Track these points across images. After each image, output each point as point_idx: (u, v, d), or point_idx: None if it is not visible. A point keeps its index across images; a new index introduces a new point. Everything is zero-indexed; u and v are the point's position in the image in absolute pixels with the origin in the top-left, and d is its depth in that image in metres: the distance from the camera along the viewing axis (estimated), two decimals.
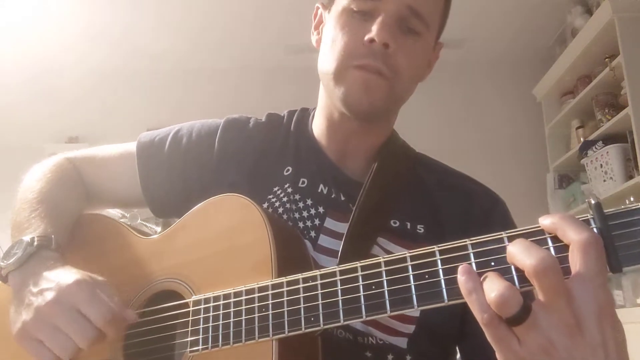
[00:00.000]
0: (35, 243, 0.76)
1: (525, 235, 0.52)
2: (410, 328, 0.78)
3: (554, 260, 0.48)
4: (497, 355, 0.52)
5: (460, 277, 0.52)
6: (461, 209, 0.87)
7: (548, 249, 0.51)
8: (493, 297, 0.48)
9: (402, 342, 0.78)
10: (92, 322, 0.68)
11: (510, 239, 0.52)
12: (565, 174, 3.59)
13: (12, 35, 3.52)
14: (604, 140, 3.04)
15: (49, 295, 0.69)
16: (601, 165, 3.04)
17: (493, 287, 0.49)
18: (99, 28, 3.53)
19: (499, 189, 0.91)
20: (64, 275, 0.71)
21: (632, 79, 2.79)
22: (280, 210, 0.85)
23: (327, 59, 0.84)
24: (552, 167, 3.64)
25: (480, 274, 0.52)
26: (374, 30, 0.79)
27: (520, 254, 0.50)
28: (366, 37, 0.79)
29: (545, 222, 0.52)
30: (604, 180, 3.01)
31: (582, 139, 3.27)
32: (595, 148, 3.07)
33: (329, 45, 0.84)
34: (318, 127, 0.93)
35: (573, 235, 0.48)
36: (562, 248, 0.50)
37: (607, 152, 2.98)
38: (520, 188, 3.44)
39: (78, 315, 0.68)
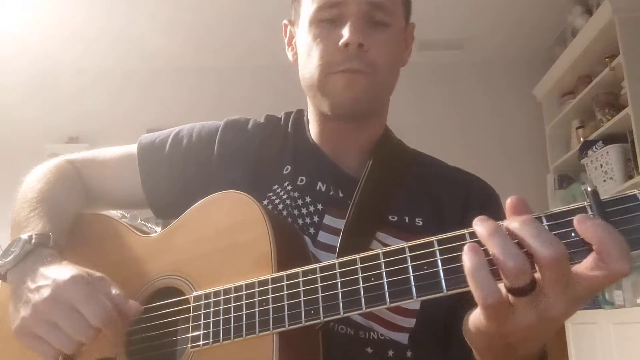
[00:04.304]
0: (33, 241, 0.77)
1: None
2: (411, 322, 0.79)
3: (566, 252, 0.48)
4: (488, 327, 0.53)
5: (466, 254, 0.50)
6: (459, 201, 0.88)
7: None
8: (510, 264, 0.47)
9: (403, 338, 0.79)
10: (88, 321, 0.68)
11: (522, 222, 0.50)
12: (565, 174, 3.59)
13: (12, 35, 3.53)
14: (604, 140, 3.04)
15: (46, 292, 0.69)
16: (601, 165, 3.04)
17: (510, 252, 0.48)
18: (99, 28, 3.54)
19: (499, 189, 0.92)
20: (61, 272, 0.71)
21: (632, 79, 2.79)
22: (280, 207, 0.86)
23: (307, 71, 0.87)
24: (552, 167, 3.64)
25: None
26: (345, 34, 0.82)
27: (533, 238, 0.48)
28: (340, 42, 0.82)
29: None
30: (604, 180, 3.01)
31: (582, 139, 3.28)
32: (595, 148, 3.07)
33: (306, 58, 0.87)
34: (313, 127, 0.95)
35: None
36: (560, 236, 0.50)
37: (607, 152, 2.98)
38: (520, 188, 3.43)
39: (74, 313, 0.68)
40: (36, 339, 0.70)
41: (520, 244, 0.49)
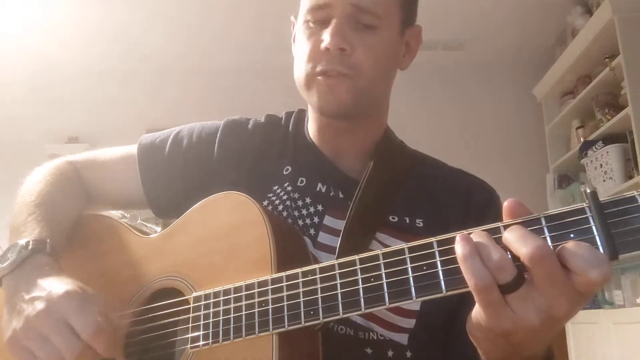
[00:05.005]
0: (30, 247, 0.76)
1: (522, 224, 0.53)
2: (411, 323, 0.79)
3: (548, 248, 0.50)
4: (488, 321, 0.54)
5: (457, 243, 0.53)
6: (460, 202, 0.88)
7: (545, 238, 0.51)
8: (492, 261, 0.51)
9: (402, 339, 0.79)
10: (79, 335, 0.67)
11: (507, 229, 0.53)
12: (565, 174, 3.60)
13: (12, 35, 3.53)
14: (604, 140, 3.04)
15: (39, 305, 0.68)
16: (601, 165, 3.04)
17: (491, 252, 0.52)
18: (99, 28, 3.54)
19: (499, 189, 0.92)
20: (56, 285, 0.70)
21: (632, 79, 2.80)
22: (280, 207, 0.86)
23: (297, 70, 0.88)
24: (552, 167, 3.65)
25: None
26: (326, 39, 0.82)
27: (516, 241, 0.51)
28: (322, 46, 0.83)
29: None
30: (604, 180, 3.01)
31: (582, 139, 3.28)
32: (595, 148, 3.08)
33: (297, 57, 0.88)
34: (311, 126, 0.95)
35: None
36: (559, 237, 0.51)
37: (607, 152, 2.98)
38: (520, 188, 3.44)
39: (65, 327, 0.67)
40: (26, 352, 0.68)
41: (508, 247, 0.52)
